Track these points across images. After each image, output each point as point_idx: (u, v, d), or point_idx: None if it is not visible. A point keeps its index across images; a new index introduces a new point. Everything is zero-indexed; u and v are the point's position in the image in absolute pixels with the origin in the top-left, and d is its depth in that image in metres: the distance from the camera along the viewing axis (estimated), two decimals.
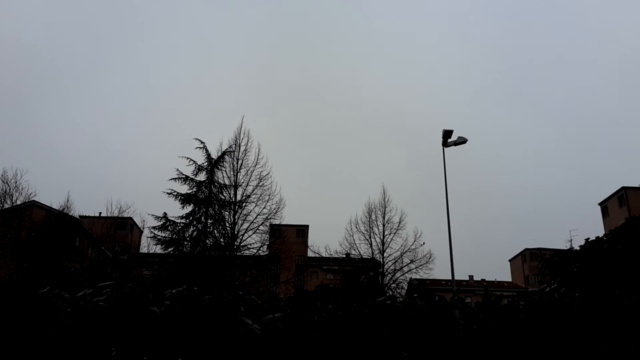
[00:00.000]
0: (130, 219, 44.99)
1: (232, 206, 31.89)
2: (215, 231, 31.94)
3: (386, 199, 40.44)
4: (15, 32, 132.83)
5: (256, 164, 32.46)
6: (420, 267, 39.17)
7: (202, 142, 32.88)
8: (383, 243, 39.36)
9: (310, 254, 48.54)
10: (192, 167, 32.75)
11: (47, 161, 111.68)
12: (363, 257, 40.26)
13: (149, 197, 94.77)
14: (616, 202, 54.27)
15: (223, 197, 32.42)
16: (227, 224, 31.79)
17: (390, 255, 39.24)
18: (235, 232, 31.41)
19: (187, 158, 32.89)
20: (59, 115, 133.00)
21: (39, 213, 32.46)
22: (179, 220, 32.04)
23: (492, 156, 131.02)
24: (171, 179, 32.66)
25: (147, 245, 33.73)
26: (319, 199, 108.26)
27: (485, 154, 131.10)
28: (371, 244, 39.61)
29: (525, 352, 5.36)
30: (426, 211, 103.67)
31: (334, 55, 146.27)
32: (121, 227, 48.38)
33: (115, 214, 35.07)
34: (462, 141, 23.22)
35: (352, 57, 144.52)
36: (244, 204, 31.99)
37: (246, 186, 32.19)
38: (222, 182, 32.48)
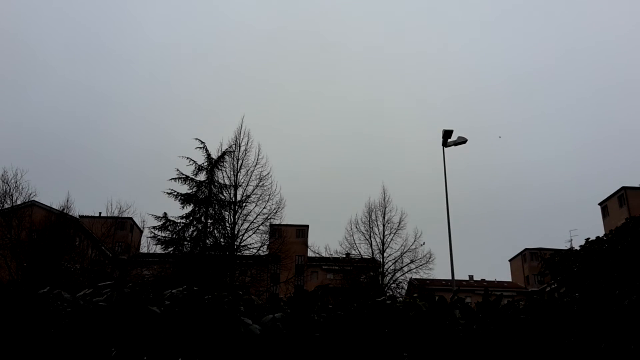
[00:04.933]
0: (130, 219, 45.03)
1: (232, 206, 31.89)
2: (215, 231, 31.94)
3: (386, 199, 40.47)
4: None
5: (256, 164, 32.50)
6: (420, 267, 39.17)
7: (202, 142, 32.93)
8: (383, 243, 39.35)
9: (310, 254, 48.55)
10: (192, 167, 32.79)
11: (48, 160, 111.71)
12: (363, 257, 40.23)
13: (149, 197, 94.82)
14: (616, 202, 54.22)
15: (223, 197, 32.43)
16: (227, 224, 31.79)
17: (390, 255, 39.25)
18: (235, 232, 31.40)
19: (187, 158, 32.93)
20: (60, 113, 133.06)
21: (39, 213, 32.46)
22: (179, 220, 32.05)
23: (492, 156, 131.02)
24: (171, 179, 32.70)
25: (147, 245, 33.81)
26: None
27: (485, 153, 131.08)
28: (371, 244, 39.61)
29: (525, 352, 5.36)
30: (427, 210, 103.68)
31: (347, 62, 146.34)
32: (121, 227, 48.45)
33: (115, 214, 35.12)
34: (462, 141, 23.21)
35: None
36: (244, 204, 32.00)
37: (246, 186, 32.23)
38: (222, 182, 32.51)
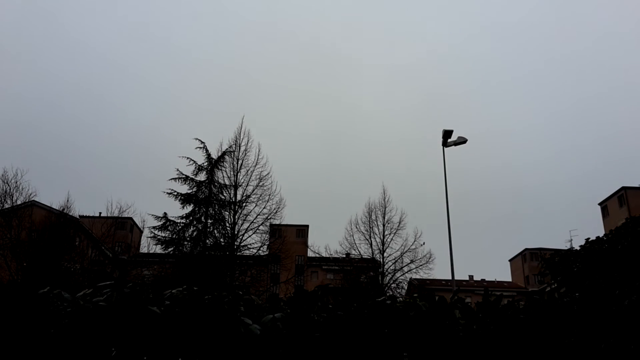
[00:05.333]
0: (130, 219, 45.05)
1: (232, 206, 31.91)
2: (215, 231, 31.97)
3: (386, 199, 40.49)
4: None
5: (256, 164, 32.57)
6: (420, 267, 39.20)
7: (202, 142, 32.99)
8: (383, 243, 39.38)
9: (310, 254, 48.56)
10: (192, 167, 32.88)
11: (48, 161, 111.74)
12: (363, 257, 40.24)
13: (149, 197, 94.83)
14: (616, 202, 54.23)
15: (223, 197, 32.48)
16: (227, 224, 31.83)
17: (390, 255, 39.28)
18: (235, 232, 31.43)
19: (187, 158, 33.00)
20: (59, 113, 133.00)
21: (39, 213, 32.46)
22: (179, 220, 32.09)
23: (492, 155, 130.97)
24: (171, 179, 32.76)
25: (147, 245, 33.84)
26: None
27: (485, 154, 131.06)
28: (371, 244, 39.63)
29: (525, 352, 5.36)
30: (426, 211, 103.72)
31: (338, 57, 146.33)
32: (121, 227, 48.44)
33: (115, 214, 35.11)
34: (462, 141, 23.22)
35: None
36: (244, 204, 32.04)
37: (246, 186, 32.29)
38: (222, 182, 32.57)
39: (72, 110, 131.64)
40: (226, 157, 32.83)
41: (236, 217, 31.73)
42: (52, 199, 76.68)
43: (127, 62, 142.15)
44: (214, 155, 32.91)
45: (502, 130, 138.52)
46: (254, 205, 32.02)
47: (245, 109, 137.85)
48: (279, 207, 32.30)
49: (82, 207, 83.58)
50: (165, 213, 32.16)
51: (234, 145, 32.74)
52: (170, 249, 31.56)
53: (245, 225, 31.80)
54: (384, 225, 39.71)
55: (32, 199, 32.53)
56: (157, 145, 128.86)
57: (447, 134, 23.08)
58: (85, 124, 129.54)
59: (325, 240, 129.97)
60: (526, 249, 72.93)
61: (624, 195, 53.33)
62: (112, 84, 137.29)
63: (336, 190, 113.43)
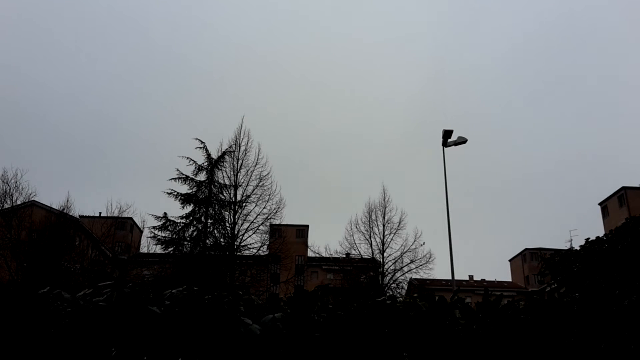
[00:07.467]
0: (130, 219, 45.07)
1: (232, 206, 31.93)
2: (215, 231, 31.97)
3: (386, 199, 40.52)
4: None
5: (256, 164, 32.57)
6: (420, 267, 39.18)
7: (202, 142, 32.96)
8: (383, 243, 39.37)
9: (310, 254, 48.57)
10: (192, 167, 32.83)
11: (48, 160, 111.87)
12: (363, 257, 40.25)
13: (149, 197, 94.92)
14: (616, 202, 54.28)
15: (223, 197, 32.48)
16: (227, 224, 31.83)
17: (390, 255, 39.26)
18: (235, 232, 31.44)
19: (187, 158, 32.97)
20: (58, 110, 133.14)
21: (39, 213, 32.47)
22: (179, 220, 32.08)
23: (492, 155, 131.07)
24: (171, 179, 32.74)
25: (147, 245, 33.81)
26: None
27: (485, 154, 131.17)
28: (371, 244, 39.62)
29: (525, 352, 5.36)
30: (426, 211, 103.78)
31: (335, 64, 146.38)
32: (121, 227, 48.49)
33: (115, 214, 35.11)
34: (462, 141, 23.23)
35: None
36: (244, 204, 32.05)
37: (246, 186, 32.29)
38: (222, 182, 32.56)
39: (73, 110, 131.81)
40: (226, 157, 32.86)
41: (236, 217, 31.76)
42: (52, 199, 76.82)
43: (128, 63, 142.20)
44: (214, 155, 32.95)
45: (504, 130, 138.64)
46: (254, 205, 32.09)
47: (246, 107, 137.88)
48: (279, 207, 32.38)
49: (82, 207, 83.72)
50: (165, 213, 32.18)
51: (234, 145, 32.80)
52: (170, 249, 31.57)
53: (245, 225, 31.86)
54: (384, 225, 39.75)
55: (32, 199, 32.56)
56: (157, 145, 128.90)
57: (447, 134, 23.08)
58: (85, 124, 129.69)
59: (325, 240, 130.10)
60: (526, 249, 73.02)
61: (624, 195, 53.38)
62: (113, 84, 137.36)
63: (336, 190, 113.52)
